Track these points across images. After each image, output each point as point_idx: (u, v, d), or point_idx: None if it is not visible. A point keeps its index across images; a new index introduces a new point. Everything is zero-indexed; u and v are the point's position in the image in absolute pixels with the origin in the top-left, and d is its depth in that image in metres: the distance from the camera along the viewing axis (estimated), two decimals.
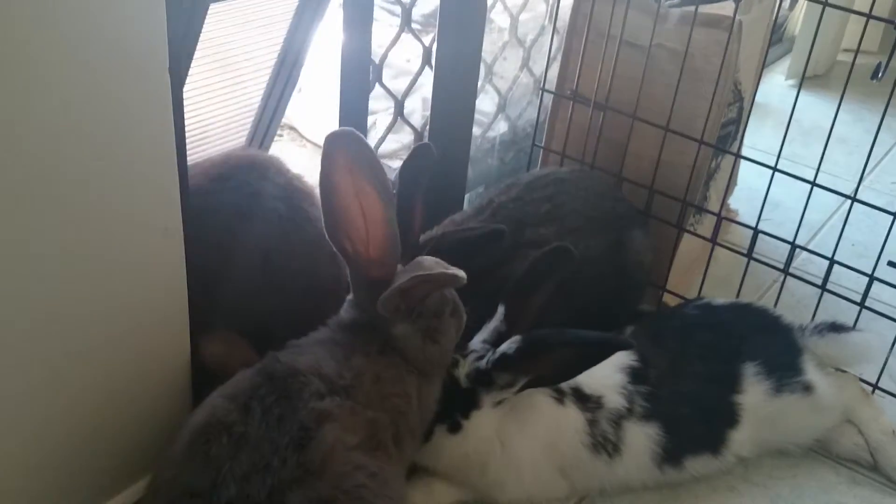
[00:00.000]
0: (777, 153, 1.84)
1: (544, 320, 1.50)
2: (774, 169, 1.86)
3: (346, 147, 1.25)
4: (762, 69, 2.11)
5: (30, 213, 1.09)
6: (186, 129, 1.59)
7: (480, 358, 1.47)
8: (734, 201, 2.42)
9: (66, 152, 1.10)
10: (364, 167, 1.25)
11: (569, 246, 1.52)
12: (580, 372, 1.44)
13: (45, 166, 1.08)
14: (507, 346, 1.43)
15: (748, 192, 2.43)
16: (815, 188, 1.83)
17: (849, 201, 1.82)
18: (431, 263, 1.28)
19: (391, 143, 2.36)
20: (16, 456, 1.21)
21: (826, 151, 1.79)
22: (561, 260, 1.52)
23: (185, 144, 1.31)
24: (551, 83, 2.15)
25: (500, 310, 1.52)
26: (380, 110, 2.45)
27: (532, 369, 1.43)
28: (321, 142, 1.26)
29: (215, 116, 1.80)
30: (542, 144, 2.20)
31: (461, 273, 1.26)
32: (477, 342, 1.52)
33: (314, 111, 2.61)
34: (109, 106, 1.12)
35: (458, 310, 1.43)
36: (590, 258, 1.78)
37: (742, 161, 2.22)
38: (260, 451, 1.16)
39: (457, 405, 1.46)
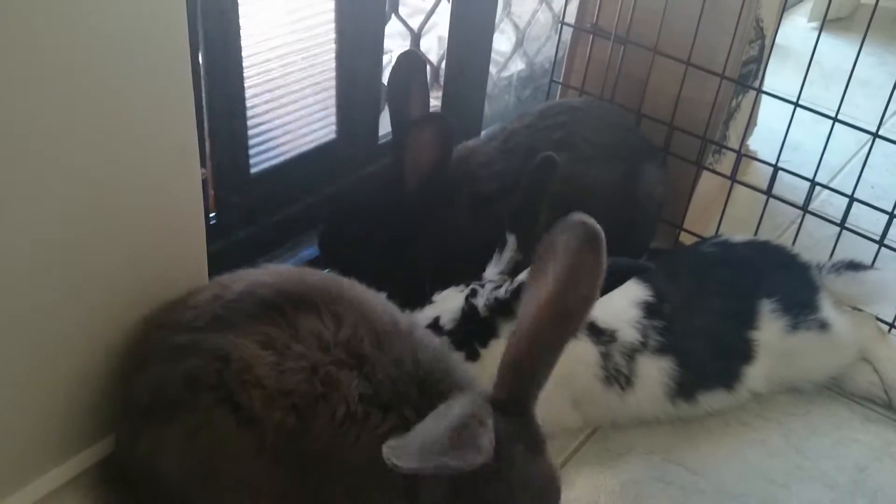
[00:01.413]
0: (797, 94, 1.81)
1: None
2: (796, 104, 1.83)
3: None
4: (784, 6, 2.07)
5: (46, 132, 1.09)
6: (269, 59, 1.62)
7: (498, 287, 1.46)
8: (753, 142, 2.39)
9: (82, 63, 1.09)
10: None
11: (552, 154, 1.51)
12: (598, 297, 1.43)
13: (61, 80, 1.08)
14: (525, 274, 1.42)
15: (768, 134, 2.39)
16: (835, 126, 1.80)
17: (868, 144, 1.79)
18: None
19: None
20: (30, 377, 1.23)
21: (847, 94, 1.76)
22: (547, 169, 1.50)
23: (197, 55, 1.27)
24: (571, 17, 2.11)
25: (511, 239, 1.51)
26: (395, 49, 2.42)
27: None
28: None
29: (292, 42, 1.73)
30: (561, 80, 2.17)
31: None
32: (493, 272, 1.52)
33: None
34: (123, 17, 1.11)
35: None
36: (601, 187, 1.76)
37: (762, 102, 2.19)
38: None
39: (475, 334, 1.47)
